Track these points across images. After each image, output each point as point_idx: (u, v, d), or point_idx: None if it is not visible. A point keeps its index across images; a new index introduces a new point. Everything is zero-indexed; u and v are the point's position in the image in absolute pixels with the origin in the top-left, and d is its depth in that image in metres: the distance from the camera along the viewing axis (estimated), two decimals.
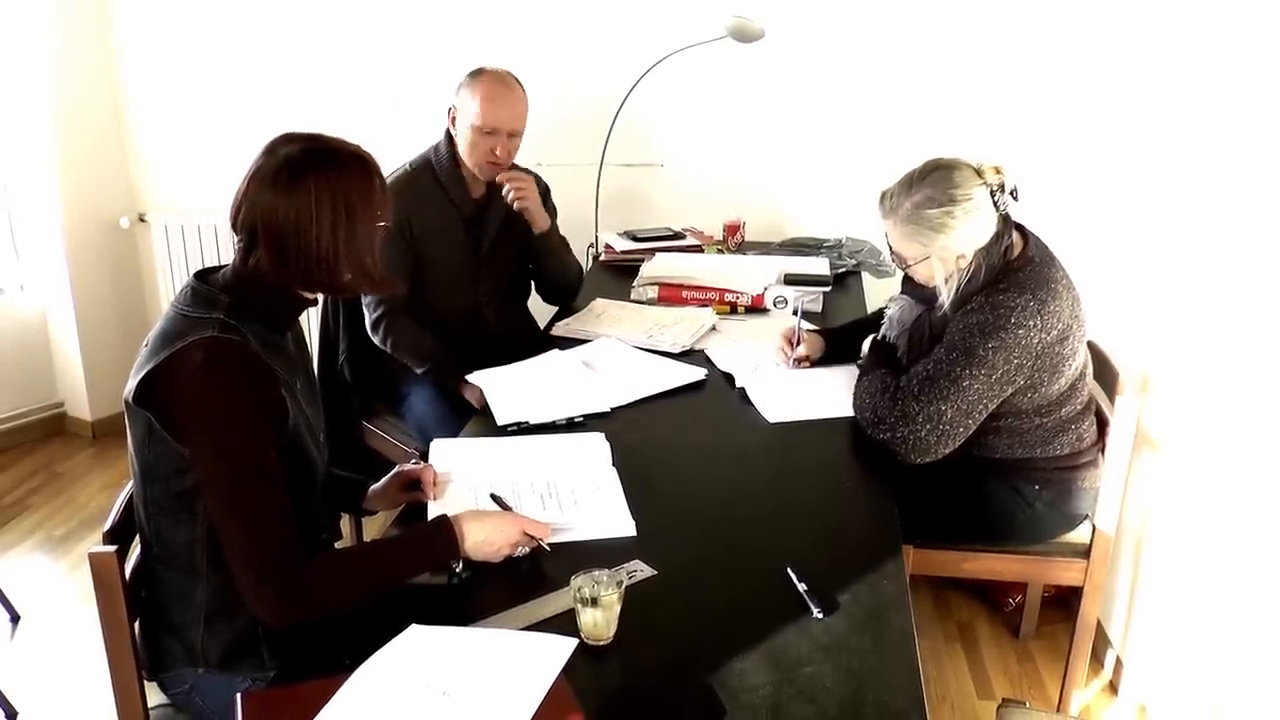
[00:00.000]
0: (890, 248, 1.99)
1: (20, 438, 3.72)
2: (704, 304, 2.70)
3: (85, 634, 2.61)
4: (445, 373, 2.43)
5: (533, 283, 2.80)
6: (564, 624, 1.35)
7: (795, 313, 2.37)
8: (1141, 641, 2.38)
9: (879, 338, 2.15)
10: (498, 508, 1.61)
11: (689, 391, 2.17)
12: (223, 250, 3.64)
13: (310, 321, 3.15)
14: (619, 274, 3.02)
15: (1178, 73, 2.29)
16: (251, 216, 1.43)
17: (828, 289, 2.83)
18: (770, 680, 1.25)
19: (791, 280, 2.83)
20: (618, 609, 1.31)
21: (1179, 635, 2.20)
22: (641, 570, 1.48)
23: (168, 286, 3.71)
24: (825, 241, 3.25)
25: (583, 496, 1.68)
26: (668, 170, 3.49)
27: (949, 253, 1.89)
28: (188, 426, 1.37)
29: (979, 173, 1.88)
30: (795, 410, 2.06)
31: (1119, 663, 2.47)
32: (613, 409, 2.05)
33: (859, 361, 2.16)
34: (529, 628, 1.34)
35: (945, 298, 1.93)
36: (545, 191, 2.67)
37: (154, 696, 1.54)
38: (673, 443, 1.96)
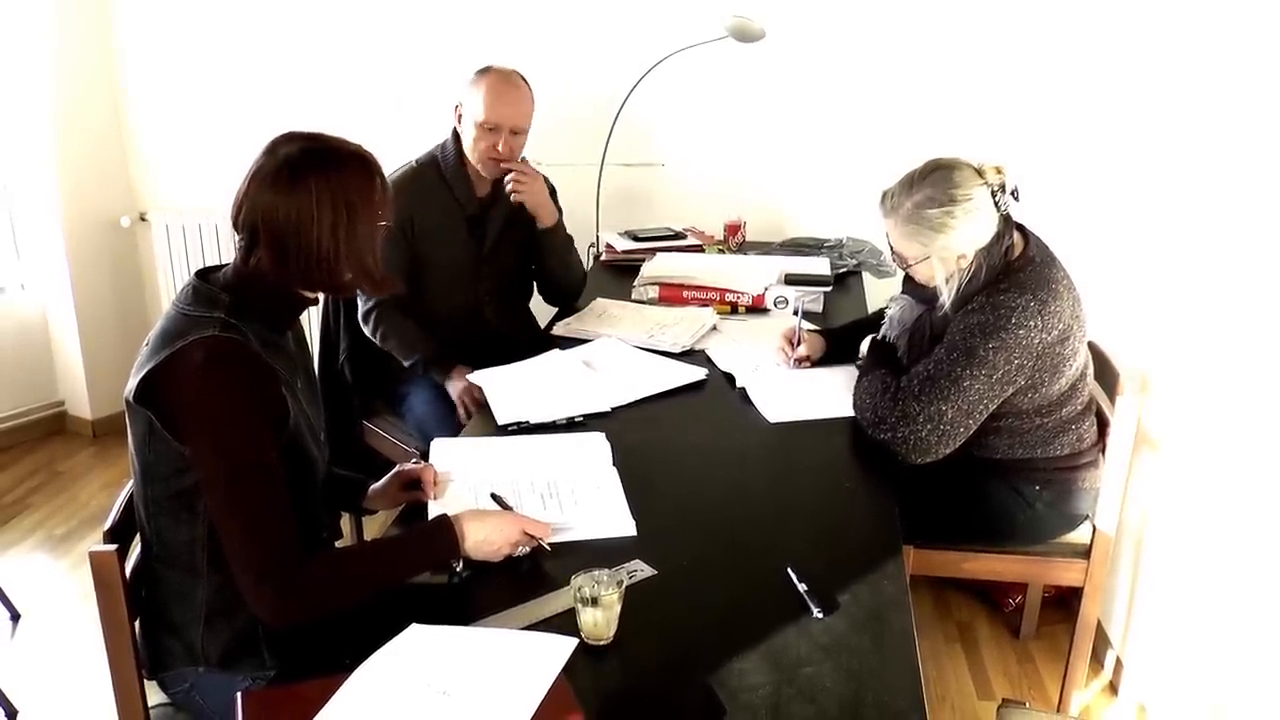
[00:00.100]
0: (891, 247, 1.99)
1: (21, 437, 3.73)
2: (705, 304, 2.70)
3: (85, 633, 2.61)
4: (433, 366, 2.44)
5: (535, 283, 2.80)
6: (564, 624, 1.35)
7: (796, 313, 2.36)
8: (1141, 642, 2.38)
9: (879, 337, 2.15)
10: (498, 507, 1.61)
11: (689, 391, 2.17)
12: (223, 249, 3.64)
13: (311, 321, 3.15)
14: (620, 274, 3.01)
15: (1178, 73, 2.29)
16: (252, 216, 1.43)
17: (828, 289, 2.83)
18: (770, 680, 1.25)
19: (792, 280, 2.83)
20: (618, 609, 1.31)
21: (1179, 635, 2.20)
22: (641, 570, 1.48)
23: (168, 286, 3.71)
24: (826, 241, 3.24)
25: (583, 496, 1.68)
26: (668, 170, 3.49)
27: (949, 253, 1.89)
28: (188, 425, 1.38)
29: (980, 173, 1.88)
30: (795, 410, 2.06)
31: (1119, 663, 2.46)
32: (613, 409, 2.05)
33: (858, 361, 2.16)
34: (529, 627, 1.35)
35: (946, 298, 1.93)
36: (552, 192, 2.67)
37: (154, 695, 1.54)
38: (673, 443, 1.96)
